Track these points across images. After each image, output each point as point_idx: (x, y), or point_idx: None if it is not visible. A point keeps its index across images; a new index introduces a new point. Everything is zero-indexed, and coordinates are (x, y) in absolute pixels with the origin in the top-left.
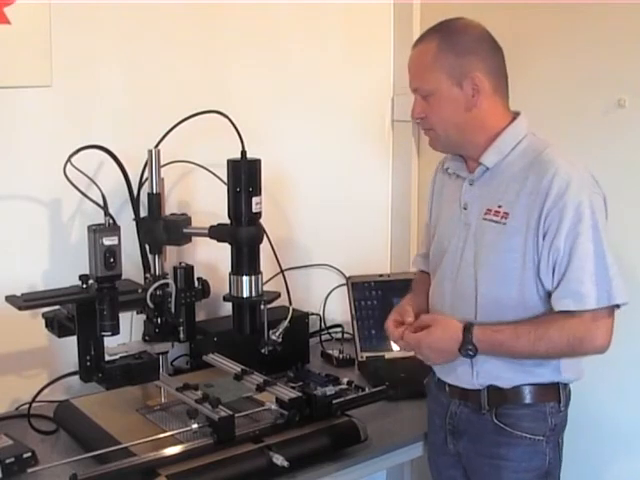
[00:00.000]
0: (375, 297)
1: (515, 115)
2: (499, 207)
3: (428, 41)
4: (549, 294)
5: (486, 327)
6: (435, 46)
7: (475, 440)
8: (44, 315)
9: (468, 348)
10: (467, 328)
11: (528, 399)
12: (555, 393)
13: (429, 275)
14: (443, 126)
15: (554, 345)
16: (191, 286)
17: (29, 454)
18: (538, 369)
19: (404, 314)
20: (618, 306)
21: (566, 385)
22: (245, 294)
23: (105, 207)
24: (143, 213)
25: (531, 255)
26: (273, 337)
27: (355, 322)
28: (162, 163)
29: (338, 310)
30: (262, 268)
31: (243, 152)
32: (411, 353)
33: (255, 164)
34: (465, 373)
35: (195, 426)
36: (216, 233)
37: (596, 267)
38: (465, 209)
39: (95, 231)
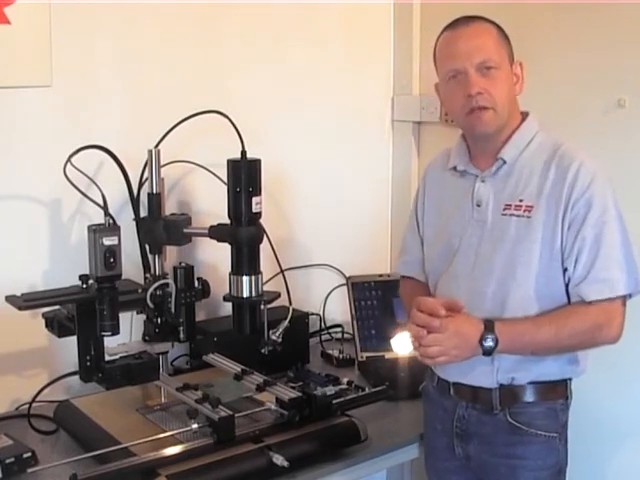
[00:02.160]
0: (375, 297)
1: (524, 114)
2: (520, 201)
3: (484, 23)
4: (568, 283)
5: (506, 320)
6: (494, 27)
7: (487, 441)
8: (44, 315)
9: (488, 338)
10: (488, 321)
11: (539, 397)
12: (563, 390)
13: (417, 281)
14: (503, 103)
15: (576, 333)
16: (191, 286)
17: (29, 454)
18: (551, 361)
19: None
20: (630, 297)
21: (571, 381)
22: (245, 294)
23: (105, 207)
24: (143, 213)
25: (558, 245)
26: (273, 337)
27: (355, 322)
28: (162, 163)
29: (338, 310)
30: (262, 268)
31: (243, 152)
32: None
33: (255, 164)
34: (485, 370)
35: (195, 426)
36: (216, 233)
37: (624, 255)
38: (479, 206)
39: (95, 231)
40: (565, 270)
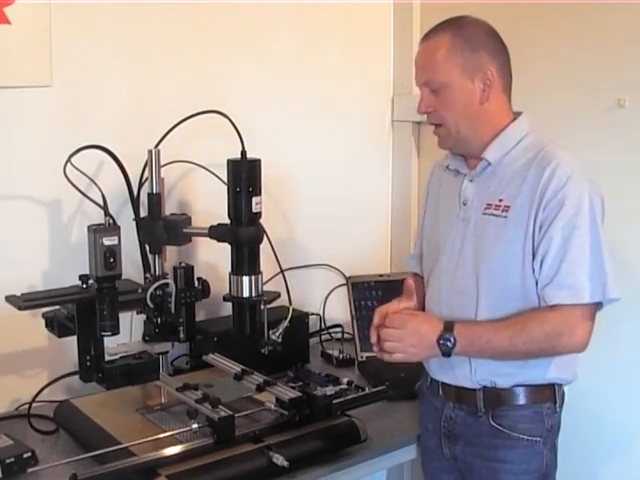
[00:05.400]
0: (375, 297)
1: (517, 115)
2: (500, 201)
3: (440, 35)
4: (536, 284)
5: (466, 322)
6: (448, 39)
7: (472, 443)
8: (44, 315)
9: (447, 337)
10: (448, 322)
11: (524, 400)
12: (551, 394)
13: (421, 278)
14: (454, 120)
15: (533, 339)
16: (191, 286)
17: (29, 454)
18: (535, 367)
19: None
20: (601, 305)
21: (560, 386)
22: (245, 294)
23: (105, 207)
24: (143, 213)
25: (530, 246)
26: (273, 337)
27: (355, 322)
28: (162, 163)
29: (338, 310)
30: (262, 268)
31: (243, 152)
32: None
33: (255, 164)
34: (463, 370)
35: (195, 426)
36: (216, 233)
37: (591, 261)
38: (464, 205)
39: (95, 231)
40: (534, 271)
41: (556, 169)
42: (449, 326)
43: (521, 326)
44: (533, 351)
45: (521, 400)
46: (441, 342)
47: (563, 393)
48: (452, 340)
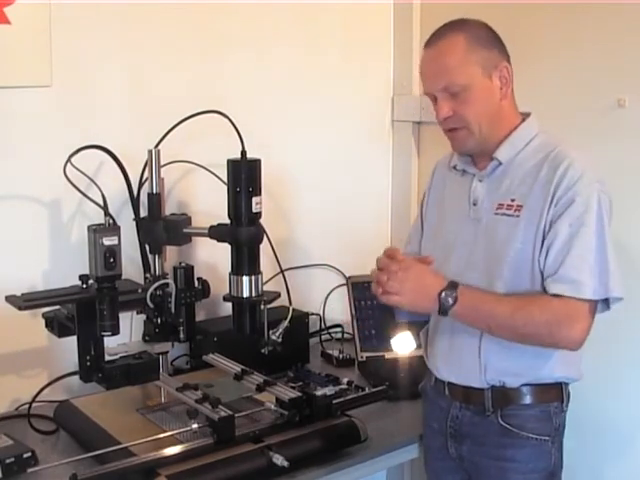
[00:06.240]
0: (375, 297)
1: (525, 115)
2: (512, 201)
3: (451, 37)
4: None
5: (470, 286)
6: (463, 40)
7: (479, 443)
8: (44, 315)
9: (448, 293)
10: (453, 281)
11: (532, 399)
12: (558, 393)
13: None
14: (477, 120)
15: (533, 320)
16: (191, 286)
17: (29, 454)
18: (543, 366)
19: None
20: (608, 305)
21: (567, 385)
22: (245, 294)
23: (105, 207)
24: (143, 213)
25: (540, 243)
26: (273, 337)
27: (355, 322)
28: (162, 163)
29: (338, 310)
30: (262, 268)
31: (243, 152)
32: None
33: (255, 164)
34: (472, 369)
35: (195, 426)
36: (216, 233)
37: (596, 259)
38: (475, 205)
39: (95, 231)
40: (539, 263)
41: (569, 168)
42: (453, 284)
43: (524, 304)
44: (530, 334)
45: (529, 399)
46: (442, 296)
47: (569, 392)
48: (454, 297)
